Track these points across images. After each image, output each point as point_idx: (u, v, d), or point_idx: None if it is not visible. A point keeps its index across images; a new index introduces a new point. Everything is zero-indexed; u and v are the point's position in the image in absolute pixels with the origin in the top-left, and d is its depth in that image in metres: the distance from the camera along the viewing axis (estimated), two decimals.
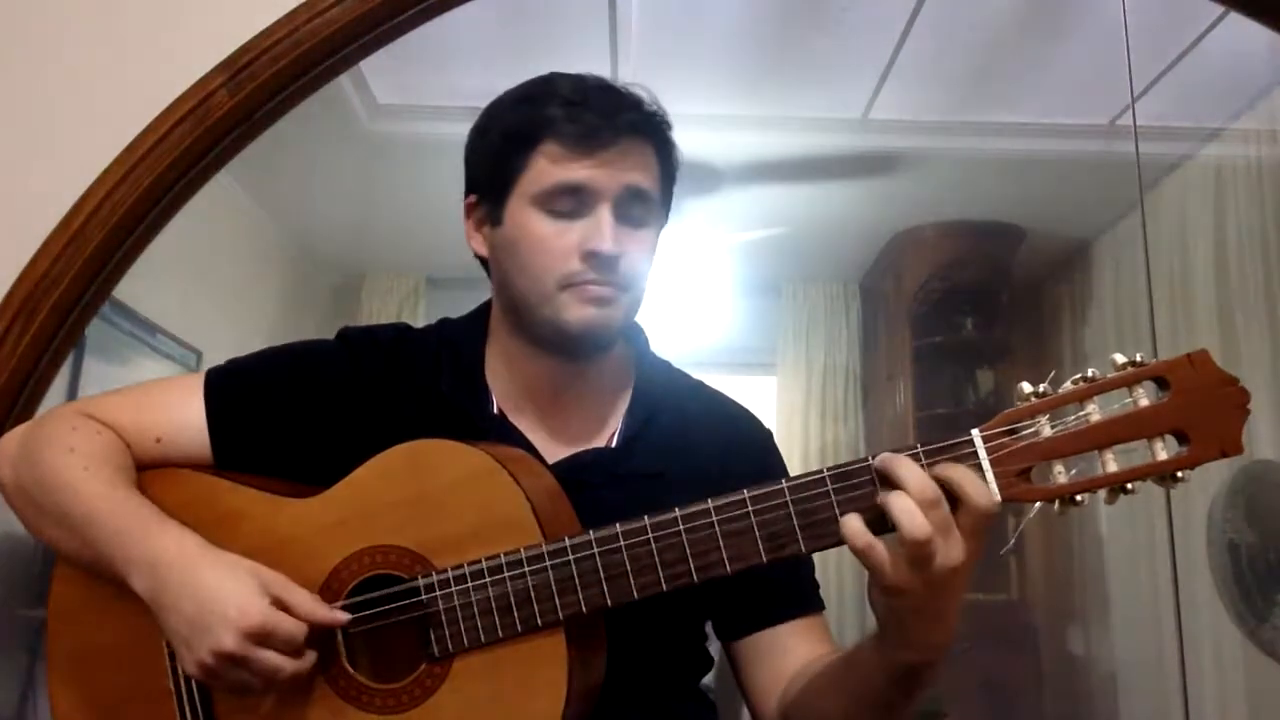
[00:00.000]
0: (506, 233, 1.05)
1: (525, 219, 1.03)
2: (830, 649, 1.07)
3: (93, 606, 1.03)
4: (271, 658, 0.92)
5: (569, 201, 1.02)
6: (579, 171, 1.01)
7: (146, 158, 1.59)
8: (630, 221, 1.04)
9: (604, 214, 1.02)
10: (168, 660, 1.01)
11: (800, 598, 1.09)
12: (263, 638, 0.91)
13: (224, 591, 0.93)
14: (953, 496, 0.86)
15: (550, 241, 1.02)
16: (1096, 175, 3.39)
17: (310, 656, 0.95)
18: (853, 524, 0.87)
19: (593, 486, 1.05)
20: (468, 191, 1.11)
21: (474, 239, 1.11)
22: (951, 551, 0.85)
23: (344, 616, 0.96)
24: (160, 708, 1.01)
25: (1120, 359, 0.89)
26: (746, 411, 1.18)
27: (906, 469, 0.86)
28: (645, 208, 1.06)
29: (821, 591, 1.13)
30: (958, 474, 0.86)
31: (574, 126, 1.01)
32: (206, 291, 3.29)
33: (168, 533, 0.98)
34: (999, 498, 0.87)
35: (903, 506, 0.85)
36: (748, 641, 1.09)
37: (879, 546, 0.86)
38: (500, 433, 1.07)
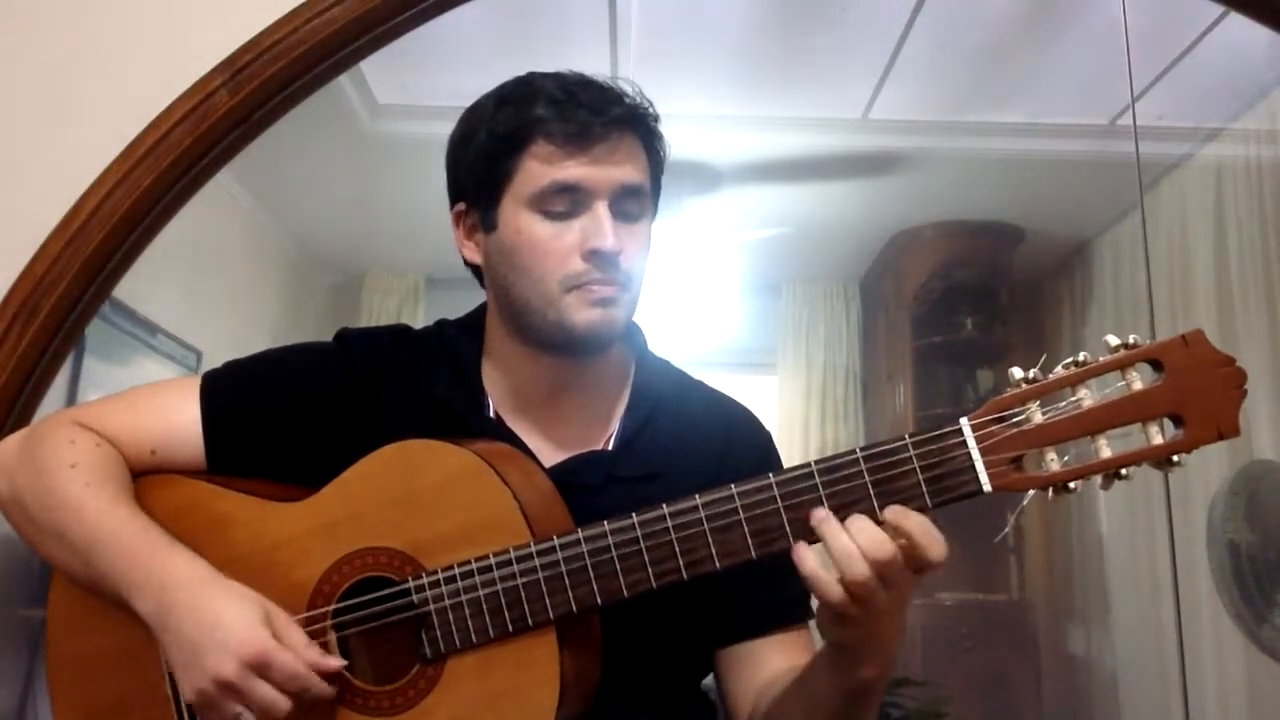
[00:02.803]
0: (502, 238, 1.04)
1: (521, 222, 1.02)
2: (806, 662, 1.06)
3: (92, 610, 1.03)
4: (269, 692, 0.91)
5: (564, 201, 1.01)
6: (572, 170, 1.00)
7: (146, 158, 1.59)
8: (626, 217, 1.03)
9: (601, 211, 1.01)
10: (166, 666, 1.00)
11: (781, 611, 1.07)
12: (262, 668, 0.91)
13: (227, 618, 0.92)
14: (907, 542, 0.86)
15: (549, 243, 1.01)
16: (1096, 175, 3.38)
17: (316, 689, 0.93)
18: (802, 551, 0.88)
19: (590, 489, 1.04)
20: (454, 200, 1.10)
21: (466, 247, 1.10)
22: (891, 595, 0.86)
23: (337, 663, 0.95)
24: (159, 713, 1.01)
25: (1113, 341, 0.87)
26: (746, 412, 1.17)
27: (858, 525, 0.86)
28: (639, 202, 1.05)
29: None
30: (913, 524, 0.86)
31: (563, 125, 1.00)
32: (206, 291, 3.29)
33: (175, 556, 0.97)
34: (990, 488, 0.87)
35: (843, 549, 0.85)
36: (728, 651, 1.08)
37: (824, 577, 0.86)
38: (496, 437, 1.06)
